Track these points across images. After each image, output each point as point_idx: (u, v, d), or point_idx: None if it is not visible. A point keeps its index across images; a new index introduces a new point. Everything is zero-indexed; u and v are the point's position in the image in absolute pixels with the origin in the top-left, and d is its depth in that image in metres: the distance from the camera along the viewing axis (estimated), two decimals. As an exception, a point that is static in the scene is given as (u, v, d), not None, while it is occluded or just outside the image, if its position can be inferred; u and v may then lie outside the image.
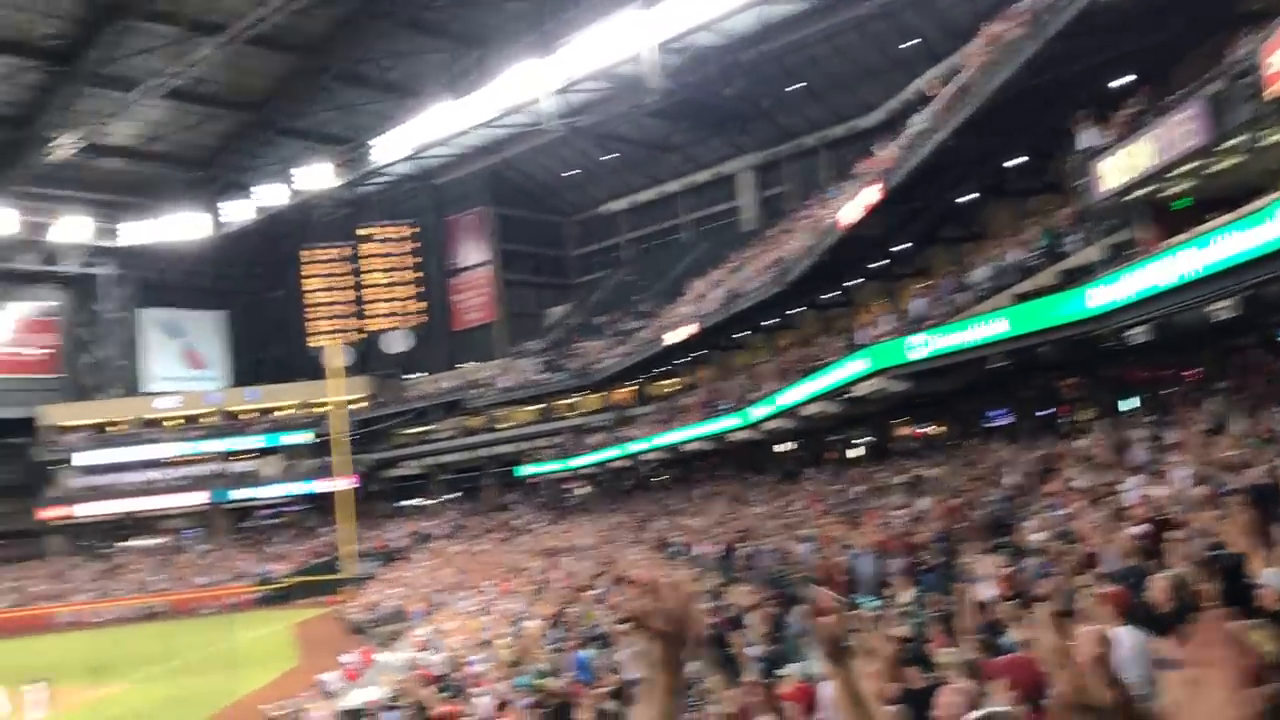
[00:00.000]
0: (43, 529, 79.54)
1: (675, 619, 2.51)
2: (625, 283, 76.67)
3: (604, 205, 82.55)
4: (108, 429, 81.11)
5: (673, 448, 51.87)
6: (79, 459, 78.69)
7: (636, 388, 65.44)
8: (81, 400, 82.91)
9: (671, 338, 52.50)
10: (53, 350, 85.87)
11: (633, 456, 56.97)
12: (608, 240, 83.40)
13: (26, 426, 79.40)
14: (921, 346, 27.28)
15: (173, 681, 38.48)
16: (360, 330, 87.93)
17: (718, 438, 46.84)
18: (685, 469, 54.98)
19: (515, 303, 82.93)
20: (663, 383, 64.28)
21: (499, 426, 73.18)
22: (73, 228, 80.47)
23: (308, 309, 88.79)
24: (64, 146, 68.16)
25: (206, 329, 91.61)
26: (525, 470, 68.41)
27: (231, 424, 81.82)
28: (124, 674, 36.94)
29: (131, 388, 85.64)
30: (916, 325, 29.96)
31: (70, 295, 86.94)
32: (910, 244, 37.22)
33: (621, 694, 14.23)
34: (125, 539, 79.68)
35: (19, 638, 59.43)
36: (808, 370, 37.21)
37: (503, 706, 17.43)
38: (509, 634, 28.54)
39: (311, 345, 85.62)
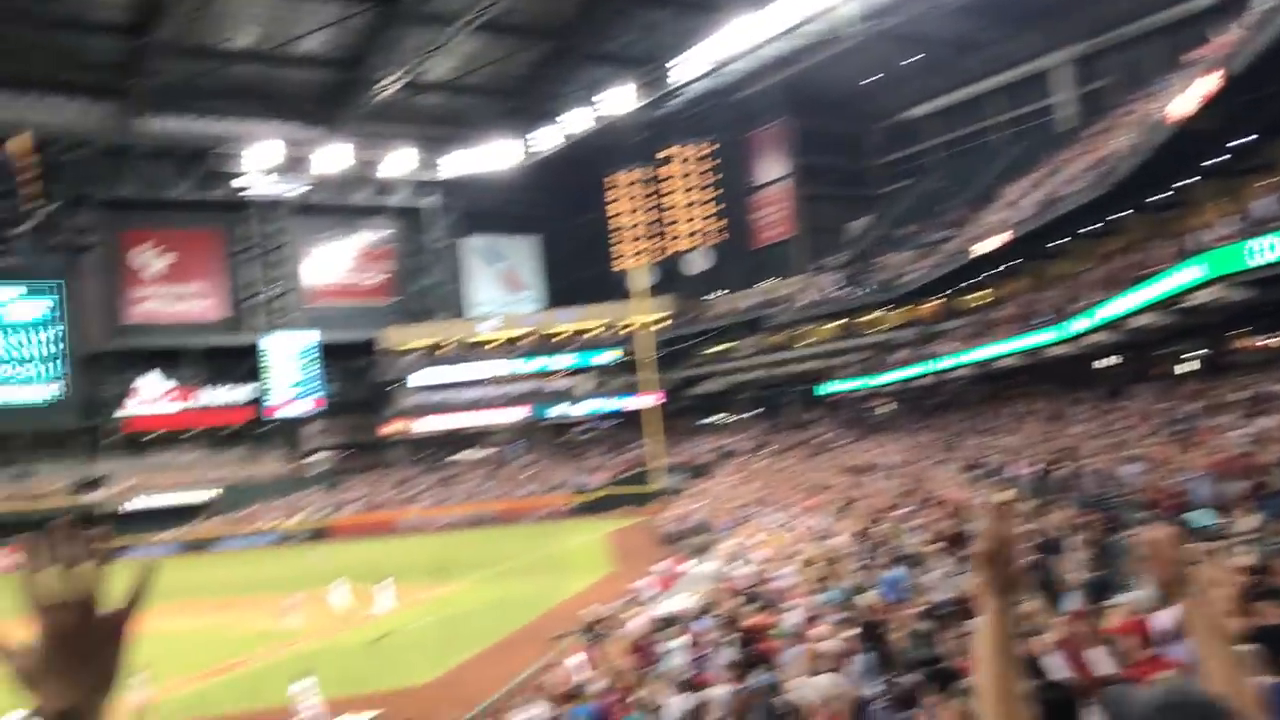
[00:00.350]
0: (386, 442, 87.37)
1: (998, 542, 2.43)
2: (931, 191, 73.78)
3: (907, 111, 79.50)
4: (438, 350, 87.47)
5: (983, 364, 49.88)
6: (414, 378, 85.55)
7: (943, 302, 63.19)
8: (414, 324, 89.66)
9: (981, 248, 50.13)
10: (387, 278, 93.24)
11: (939, 374, 55.28)
12: (912, 148, 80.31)
13: (368, 349, 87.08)
14: (1267, 250, 24.66)
15: (501, 584, 41.39)
16: (662, 251, 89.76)
17: (1032, 353, 44.56)
18: (996, 386, 52.76)
19: (815, 217, 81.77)
20: (971, 296, 61.67)
21: (799, 344, 72.94)
22: (400, 162, 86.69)
23: (613, 232, 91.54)
24: (390, 85, 73.09)
25: (523, 253, 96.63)
26: (827, 388, 67.95)
27: (547, 344, 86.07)
28: (459, 575, 40.08)
29: (458, 311, 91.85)
30: (1261, 227, 27.06)
31: (400, 226, 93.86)
32: (1254, 137, 33.50)
33: (932, 614, 13.92)
34: (457, 451, 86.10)
35: (368, 540, 65.67)
36: (1135, 279, 34.56)
37: (811, 622, 17.49)
38: (814, 550, 28.60)
39: (619, 266, 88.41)
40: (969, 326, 56.04)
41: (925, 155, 79.61)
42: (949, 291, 61.53)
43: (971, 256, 51.48)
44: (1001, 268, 54.09)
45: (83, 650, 1.54)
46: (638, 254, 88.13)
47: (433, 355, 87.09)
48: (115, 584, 1.54)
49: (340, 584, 38.82)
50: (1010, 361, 47.19)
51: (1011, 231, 47.18)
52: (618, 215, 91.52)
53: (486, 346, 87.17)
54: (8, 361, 74.71)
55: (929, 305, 64.00)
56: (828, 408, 70.11)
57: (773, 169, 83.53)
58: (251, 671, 29.45)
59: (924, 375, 56.44)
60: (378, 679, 23.94)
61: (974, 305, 60.45)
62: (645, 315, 74.08)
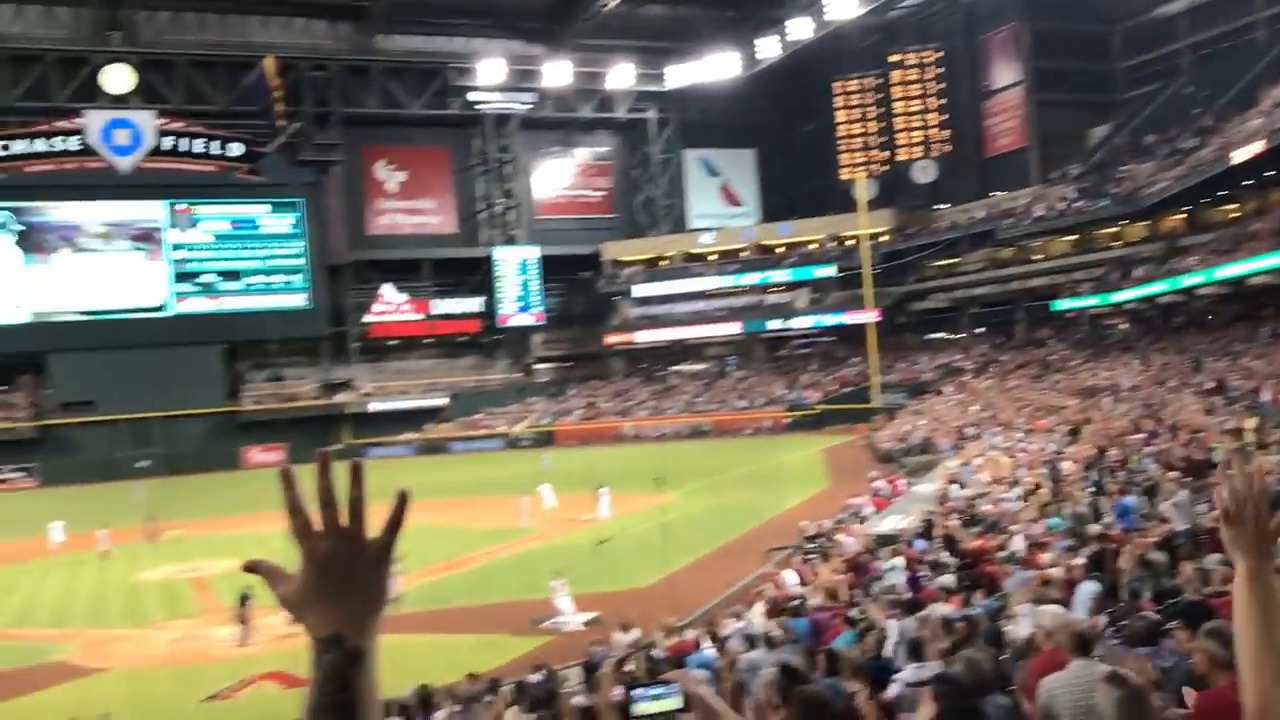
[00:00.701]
0: (607, 353, 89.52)
1: (1245, 496, 2.30)
2: (1182, 95, 68.34)
3: (1158, 8, 73.66)
4: (657, 264, 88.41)
5: (1235, 281, 46.49)
6: (636, 291, 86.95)
7: (1190, 214, 59.04)
8: (635, 237, 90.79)
9: (1239, 155, 46.40)
10: (608, 192, 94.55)
11: (1185, 291, 51.92)
12: (1162, 48, 74.38)
13: (592, 262, 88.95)
14: None
15: (717, 494, 42.03)
16: (887, 161, 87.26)
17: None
18: (1249, 305, 49.14)
19: (1050, 125, 77.35)
20: (1224, 208, 57.32)
21: (1032, 258, 69.81)
22: (621, 75, 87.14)
23: (837, 141, 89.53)
24: (612, -2, 73.25)
25: (741, 166, 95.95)
26: (1061, 305, 64.96)
27: (764, 258, 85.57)
28: (675, 485, 40.89)
29: (678, 224, 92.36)
30: None
31: (622, 140, 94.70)
32: None
33: (1168, 545, 13.31)
34: (675, 363, 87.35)
35: (588, 447, 67.72)
36: None
37: (1035, 548, 17.03)
38: (1042, 473, 27.71)
39: (840, 178, 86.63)
40: (1220, 241, 52.21)
41: (1178, 56, 73.65)
42: (1198, 203, 57.46)
43: (1227, 165, 47.78)
44: (1260, 177, 50.02)
45: (346, 578, 1.59)
46: (860, 165, 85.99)
47: (652, 269, 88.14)
48: (374, 512, 1.62)
49: (545, 487, 40.50)
50: (1267, 279, 43.78)
51: (1265, 140, 43.43)
52: (840, 125, 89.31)
53: (705, 260, 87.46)
54: (261, 271, 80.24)
55: (1175, 217, 59.96)
56: (1059, 326, 67.13)
57: (1005, 74, 79.43)
58: (482, 567, 31.17)
59: (1166, 293, 53.15)
60: (598, 580, 24.90)
61: (1227, 218, 56.23)
62: (867, 228, 72.45)
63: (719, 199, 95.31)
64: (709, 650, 14.57)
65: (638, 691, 2.41)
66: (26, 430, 73.36)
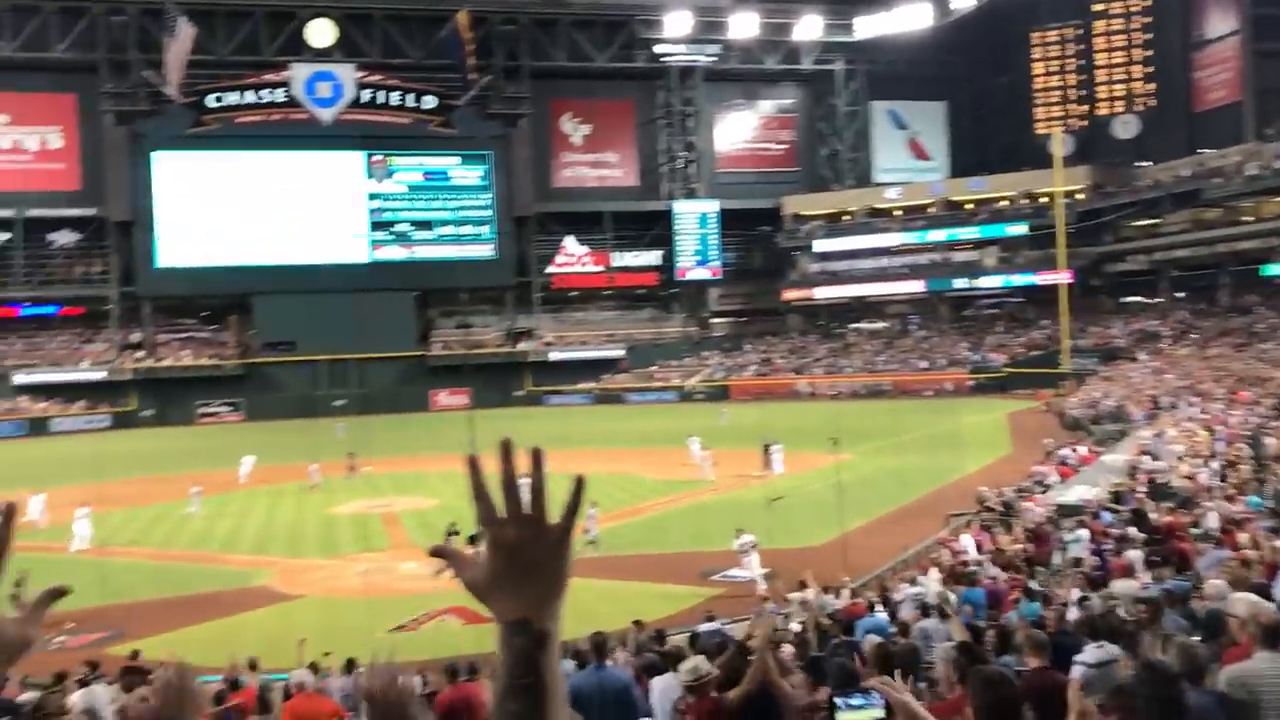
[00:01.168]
0: (785, 308, 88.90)
1: None
2: None
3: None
4: (839, 219, 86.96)
5: None
6: (817, 246, 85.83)
7: None
8: (818, 191, 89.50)
9: None
10: (791, 145, 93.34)
11: None
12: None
13: (771, 216, 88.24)
14: None
15: (894, 456, 41.39)
16: (1086, 115, 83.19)
17: None
18: None
19: (1269, 77, 72.09)
20: None
21: (1241, 219, 65.50)
22: (809, 27, 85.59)
23: (1034, 94, 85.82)
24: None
25: (930, 120, 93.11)
26: (1272, 270, 60.89)
27: (952, 214, 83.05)
28: (850, 445, 40.45)
29: (863, 179, 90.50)
30: None
31: (806, 92, 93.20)
32: None
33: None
34: (855, 321, 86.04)
35: (762, 403, 67.59)
36: None
37: (1232, 526, 16.15)
38: (1242, 449, 26.22)
39: (1035, 133, 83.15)
40: None
41: None
42: None
43: None
44: None
45: (530, 563, 1.63)
46: (1057, 119, 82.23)
47: (834, 224, 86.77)
48: (554, 497, 1.65)
49: (694, 440, 40.61)
50: None
51: None
52: (1037, 77, 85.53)
53: (889, 216, 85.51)
54: (451, 222, 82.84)
55: None
56: (1268, 292, 62.98)
57: (1218, 23, 74.39)
58: (655, 517, 31.65)
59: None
60: (770, 537, 24.95)
61: None
62: (1062, 185, 69.33)
63: (906, 153, 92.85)
64: (881, 614, 14.47)
65: (840, 699, 2.44)
66: (234, 368, 78.24)
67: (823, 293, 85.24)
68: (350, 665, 13.38)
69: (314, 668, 14.03)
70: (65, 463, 44.98)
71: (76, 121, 79.27)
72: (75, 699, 11.12)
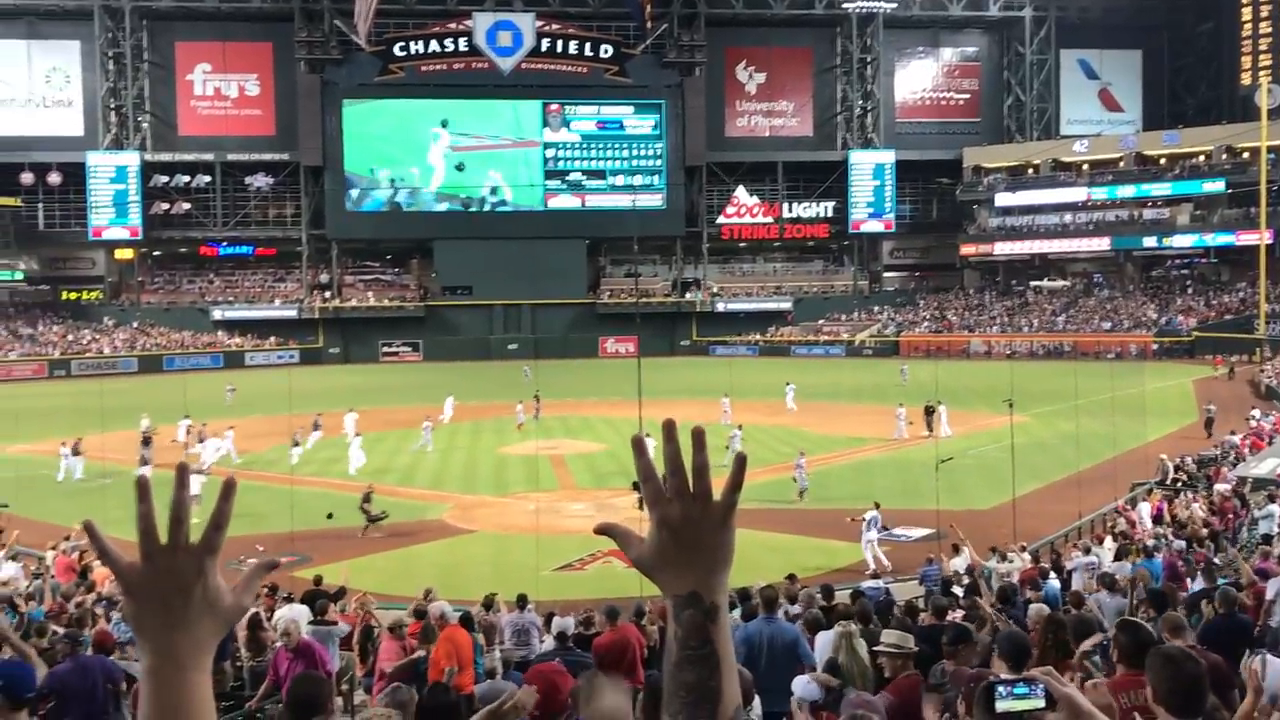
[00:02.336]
0: (961, 263, 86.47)
1: None
2: None
3: None
4: (1022, 172, 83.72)
5: None
6: (998, 200, 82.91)
7: None
8: (1001, 143, 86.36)
9: None
10: (973, 94, 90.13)
11: None
12: None
13: (951, 168, 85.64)
14: None
15: (1071, 420, 39.89)
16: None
17: None
18: None
19: None
20: None
21: None
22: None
23: (1240, 43, 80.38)
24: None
25: (1123, 69, 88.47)
26: None
27: (1143, 169, 78.99)
28: (1025, 407, 39.27)
29: (1048, 130, 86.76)
30: None
31: (991, 40, 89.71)
32: None
33: None
34: (1035, 278, 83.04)
35: (933, 360, 65.91)
36: None
37: None
38: None
39: (1239, 84, 78.00)
40: None
41: None
42: None
43: None
44: None
45: (696, 539, 1.69)
46: (1265, 69, 76.81)
47: (1017, 177, 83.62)
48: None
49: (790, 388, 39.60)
50: None
51: None
52: (1245, 24, 79.94)
53: (1075, 170, 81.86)
54: (623, 171, 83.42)
55: None
56: None
57: None
58: (819, 472, 31.47)
59: None
60: (936, 498, 24.56)
61: None
62: (1267, 140, 64.97)
63: (1096, 104, 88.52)
64: (1053, 582, 14.16)
65: (1000, 688, 2.44)
66: (415, 309, 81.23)
67: (1002, 248, 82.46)
68: (522, 601, 13.91)
69: (487, 602, 14.64)
70: (278, 395, 47.55)
71: (272, 69, 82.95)
72: (277, 615, 11.97)
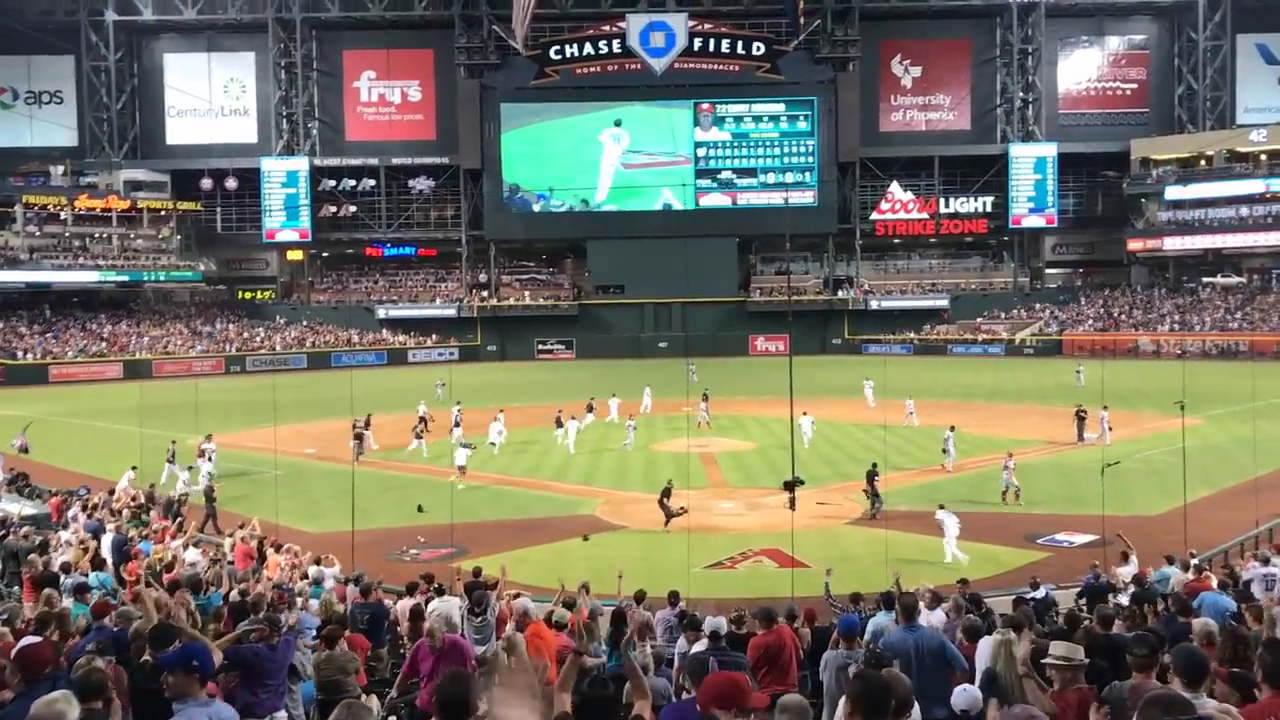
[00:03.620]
0: (1128, 259, 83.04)
1: None
2: None
3: None
4: (1197, 163, 79.80)
5: None
6: (1168, 193, 79.18)
7: None
8: (1171, 134, 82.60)
9: None
10: (1142, 83, 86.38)
11: None
12: None
13: (1117, 160, 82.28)
14: None
15: (1248, 422, 37.92)
16: None
17: None
18: None
19: None
20: None
21: None
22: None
23: None
24: None
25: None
26: None
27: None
28: (1199, 409, 37.55)
29: (1223, 120, 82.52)
30: None
31: (1162, 26, 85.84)
32: None
33: None
34: (1208, 275, 79.12)
35: (1097, 360, 63.54)
36: None
37: None
38: None
39: None
40: None
41: None
42: None
43: None
44: None
45: None
46: None
47: (1188, 169, 79.73)
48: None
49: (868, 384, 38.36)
50: None
51: None
52: None
53: (1253, 160, 77.53)
54: (774, 169, 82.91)
55: None
56: None
57: None
58: (978, 474, 30.72)
59: None
60: (1100, 503, 23.68)
61: None
62: None
63: (1276, 91, 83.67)
64: (1227, 597, 13.51)
65: None
66: (568, 308, 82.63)
67: (1173, 243, 78.73)
68: (674, 598, 14.03)
69: (639, 597, 14.81)
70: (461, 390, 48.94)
71: (433, 75, 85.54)
72: (431, 606, 12.38)
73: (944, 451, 31.45)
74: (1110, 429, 34.74)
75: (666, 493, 25.37)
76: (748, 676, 8.03)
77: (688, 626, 11.09)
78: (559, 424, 37.45)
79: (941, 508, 22.71)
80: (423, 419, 37.70)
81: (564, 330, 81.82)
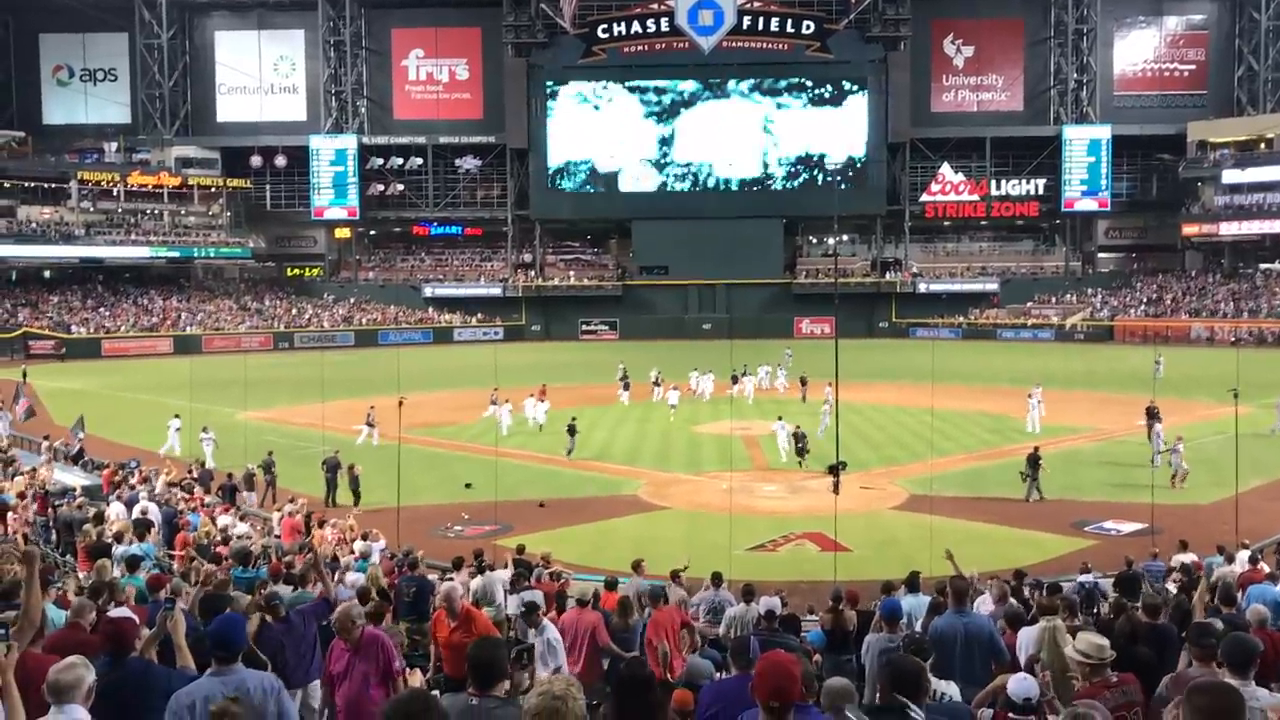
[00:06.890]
0: (1183, 244, 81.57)
1: None
2: None
3: None
4: (1256, 146, 78.10)
5: None
6: (1226, 177, 77.53)
7: None
8: (1230, 116, 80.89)
9: None
10: (1200, 65, 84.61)
11: None
12: None
13: (1173, 143, 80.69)
14: None
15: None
16: None
17: None
18: None
19: None
20: None
21: None
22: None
23: None
24: None
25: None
26: None
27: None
28: (1253, 397, 36.90)
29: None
30: None
31: (1222, 6, 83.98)
32: None
33: None
34: (1266, 260, 77.54)
35: (1149, 346, 62.50)
36: None
37: None
38: None
39: None
40: None
41: None
42: None
43: None
44: None
45: None
46: None
47: (1248, 152, 78.02)
48: None
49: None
50: None
51: None
52: None
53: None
54: (821, 148, 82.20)
55: None
56: None
57: None
58: (1022, 461, 30.38)
59: None
60: (1151, 492, 23.36)
61: None
62: None
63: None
64: (1278, 588, 13.27)
65: None
66: (613, 288, 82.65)
67: (1229, 228, 77.16)
68: (717, 578, 14.01)
69: (675, 576, 14.77)
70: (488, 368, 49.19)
71: (480, 54, 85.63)
72: (476, 582, 12.46)
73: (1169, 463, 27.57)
74: (1150, 434, 32.98)
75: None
76: (802, 660, 8.02)
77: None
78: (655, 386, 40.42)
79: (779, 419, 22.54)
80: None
81: (608, 311, 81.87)
